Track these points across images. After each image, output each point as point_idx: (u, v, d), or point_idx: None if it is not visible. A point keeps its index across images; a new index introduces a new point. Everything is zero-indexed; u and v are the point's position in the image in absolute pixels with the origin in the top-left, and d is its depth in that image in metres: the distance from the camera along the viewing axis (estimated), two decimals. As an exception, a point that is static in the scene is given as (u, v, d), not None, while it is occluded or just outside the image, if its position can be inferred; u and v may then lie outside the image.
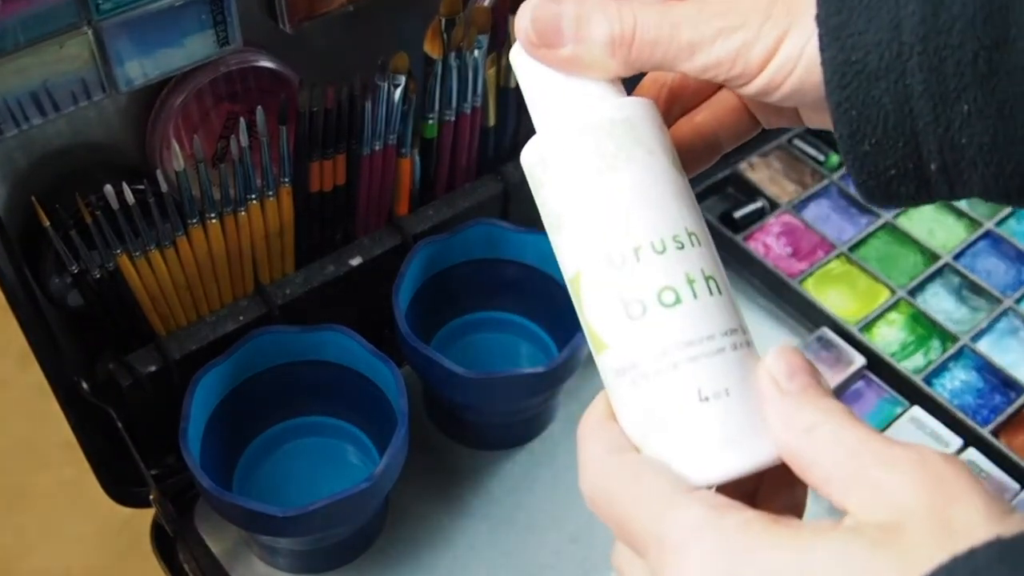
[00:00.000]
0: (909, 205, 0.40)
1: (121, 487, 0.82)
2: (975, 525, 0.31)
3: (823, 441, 0.35)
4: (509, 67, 0.83)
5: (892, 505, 0.32)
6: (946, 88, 0.35)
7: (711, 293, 0.39)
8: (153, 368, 0.77)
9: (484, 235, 0.87)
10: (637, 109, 0.41)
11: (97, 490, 0.81)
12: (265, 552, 0.81)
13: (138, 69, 0.67)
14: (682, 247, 0.39)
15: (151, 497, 0.80)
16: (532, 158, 0.42)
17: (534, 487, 0.87)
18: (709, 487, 0.37)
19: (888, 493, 0.32)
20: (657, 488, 0.37)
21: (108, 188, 0.68)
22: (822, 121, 0.41)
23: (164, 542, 0.83)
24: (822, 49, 0.36)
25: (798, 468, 0.36)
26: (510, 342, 0.93)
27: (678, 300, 0.38)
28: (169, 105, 0.73)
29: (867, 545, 0.31)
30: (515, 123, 0.88)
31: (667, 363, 0.38)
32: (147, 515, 0.83)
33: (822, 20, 0.36)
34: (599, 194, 0.40)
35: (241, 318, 0.81)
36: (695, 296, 0.38)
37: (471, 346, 0.92)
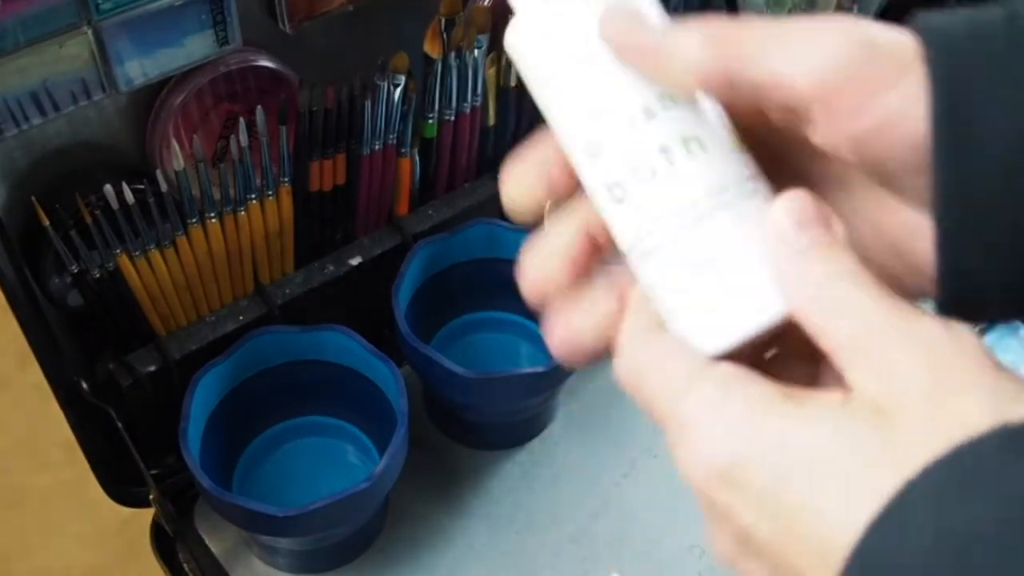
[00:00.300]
0: (995, 320, 0.39)
1: (121, 487, 0.82)
2: (978, 412, 0.30)
3: (832, 304, 0.33)
4: (509, 66, 0.83)
5: (890, 384, 0.31)
6: None
7: (691, 154, 0.37)
8: (153, 368, 0.77)
9: (484, 235, 0.87)
10: None
11: (97, 490, 0.81)
12: (265, 552, 0.80)
13: (138, 69, 0.67)
14: (652, 116, 0.37)
15: (151, 497, 0.80)
16: (513, 38, 0.40)
17: (534, 487, 0.87)
18: (721, 355, 0.36)
19: (889, 370, 0.31)
20: (674, 369, 0.36)
21: (108, 188, 0.68)
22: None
23: (164, 542, 0.83)
24: (934, 153, 0.33)
25: (810, 332, 0.34)
26: (510, 342, 0.93)
27: (654, 173, 0.37)
28: (169, 105, 0.73)
29: (863, 427, 0.31)
30: (515, 122, 0.88)
31: (661, 239, 0.37)
32: (147, 515, 0.83)
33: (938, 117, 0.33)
34: (564, 80, 0.38)
35: (241, 318, 0.81)
36: (671, 164, 0.37)
37: (471, 346, 0.92)
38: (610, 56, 0.37)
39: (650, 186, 0.37)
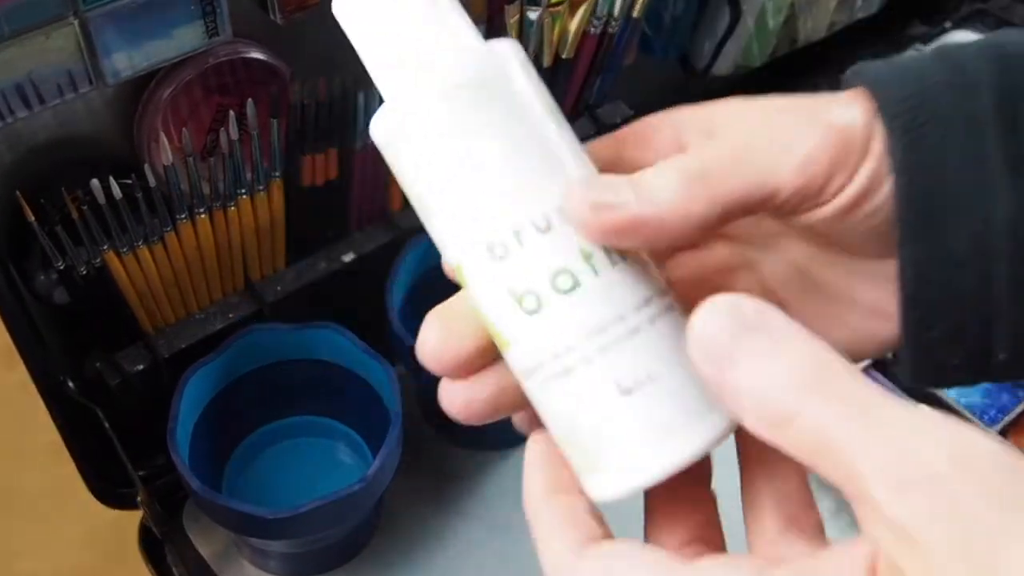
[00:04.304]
0: (955, 387, 0.38)
1: (108, 488, 0.81)
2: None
3: (832, 416, 0.28)
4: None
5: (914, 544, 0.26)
6: None
7: (613, 264, 0.33)
8: (141, 367, 0.76)
9: (480, 231, 0.86)
10: (500, 59, 0.35)
11: (84, 491, 0.80)
12: (255, 555, 0.80)
13: (126, 61, 0.66)
14: (565, 221, 0.33)
15: (139, 499, 0.79)
16: (381, 133, 0.36)
17: (530, 488, 0.86)
18: (648, 488, 0.34)
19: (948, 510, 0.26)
20: (560, 546, 0.34)
21: (95, 183, 0.67)
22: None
23: (152, 545, 0.82)
24: (900, 243, 0.34)
25: (798, 459, 0.30)
26: (506, 340, 0.92)
27: (576, 283, 0.33)
28: (157, 98, 0.72)
29: None
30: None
31: (575, 359, 0.33)
32: (135, 517, 0.82)
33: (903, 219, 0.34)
34: (462, 172, 0.34)
35: (231, 316, 0.80)
36: (595, 272, 0.33)
37: (467, 344, 0.91)
38: (515, 147, 0.34)
39: (572, 297, 0.33)
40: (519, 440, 0.92)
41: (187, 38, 0.67)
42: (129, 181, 0.70)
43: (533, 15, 0.79)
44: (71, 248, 0.69)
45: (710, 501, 0.37)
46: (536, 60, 0.84)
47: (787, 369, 0.29)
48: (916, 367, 0.36)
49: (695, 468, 0.34)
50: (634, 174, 0.34)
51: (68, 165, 0.72)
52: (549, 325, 0.33)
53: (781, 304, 0.38)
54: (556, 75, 0.87)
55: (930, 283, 0.34)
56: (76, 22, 0.62)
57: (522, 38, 0.81)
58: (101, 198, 0.67)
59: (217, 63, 0.72)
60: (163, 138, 0.70)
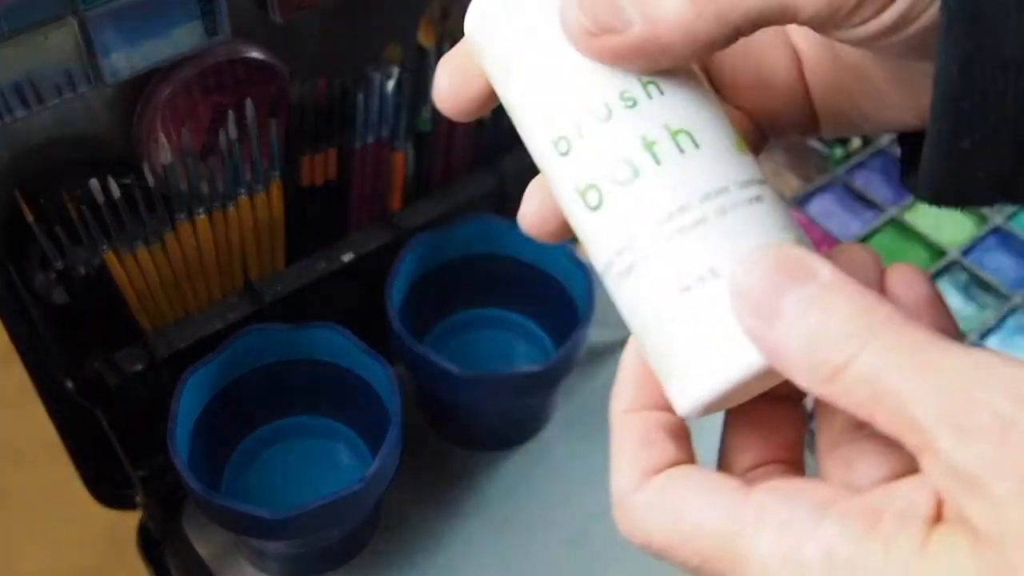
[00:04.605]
0: (977, 206, 0.35)
1: (107, 489, 0.81)
2: None
3: (896, 361, 0.27)
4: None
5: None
6: None
7: (682, 151, 0.31)
8: (140, 367, 0.76)
9: (479, 230, 0.86)
10: None
11: (82, 492, 0.80)
12: (255, 556, 0.79)
13: (124, 60, 0.66)
14: (634, 104, 0.32)
15: (137, 499, 0.78)
16: (468, 26, 0.36)
17: (531, 489, 0.86)
18: (704, 409, 0.32)
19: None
20: (620, 479, 0.34)
21: (94, 182, 0.66)
22: (869, 114, 0.36)
23: (151, 545, 0.82)
24: (943, 37, 0.30)
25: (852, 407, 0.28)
26: (506, 340, 0.91)
27: (636, 173, 0.31)
28: (156, 97, 0.72)
29: None
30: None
31: (635, 254, 0.31)
32: (133, 518, 0.82)
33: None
34: (528, 63, 0.33)
35: (230, 316, 0.79)
36: (657, 161, 0.31)
37: (466, 344, 0.91)
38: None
39: (631, 189, 0.31)
40: (519, 440, 0.92)
41: (186, 38, 0.67)
42: (128, 181, 0.70)
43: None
44: (70, 248, 0.69)
45: (798, 421, 0.35)
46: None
47: (836, 319, 0.28)
48: (938, 179, 0.33)
49: (781, 384, 0.31)
50: None
51: (67, 165, 0.72)
52: (610, 220, 0.32)
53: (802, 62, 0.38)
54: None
55: (971, 84, 0.30)
56: (75, 22, 0.62)
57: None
58: (100, 198, 0.67)
59: (216, 63, 0.72)
60: (162, 138, 0.70)
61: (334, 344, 0.78)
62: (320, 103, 0.73)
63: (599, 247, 0.33)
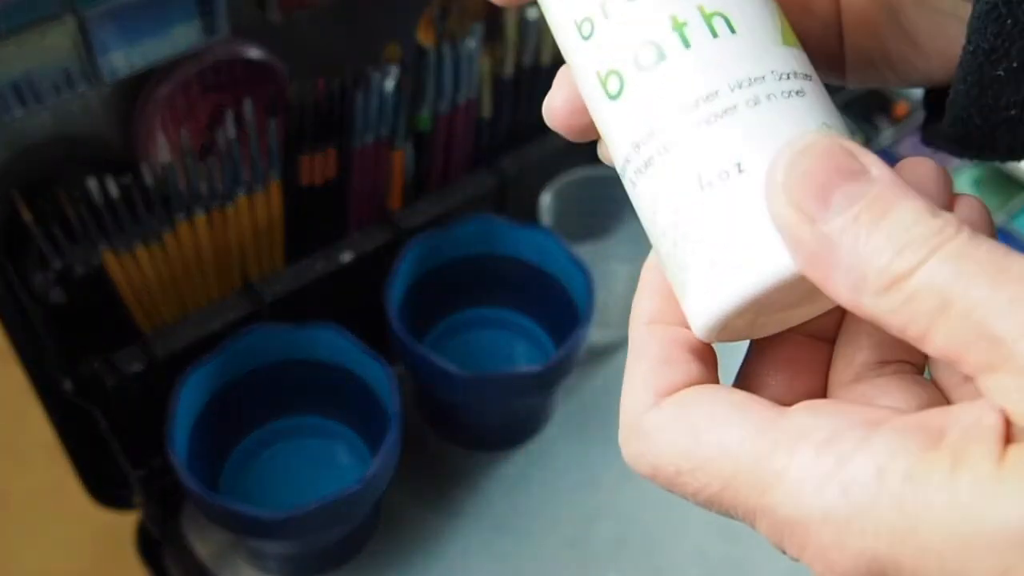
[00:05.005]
0: (996, 159, 0.32)
1: (105, 489, 0.81)
2: None
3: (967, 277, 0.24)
4: (504, 57, 0.81)
5: None
6: None
7: (716, 35, 0.28)
8: (139, 367, 0.75)
9: (479, 230, 0.85)
10: None
11: (80, 493, 0.80)
12: (254, 556, 0.79)
13: (123, 59, 0.65)
14: None
15: (136, 500, 0.78)
16: None
17: (531, 489, 0.86)
18: (721, 328, 0.28)
19: None
20: (631, 397, 0.29)
21: (92, 182, 0.66)
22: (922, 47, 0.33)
23: (149, 546, 0.81)
24: None
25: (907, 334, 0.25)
26: (506, 340, 0.91)
27: (660, 57, 0.28)
28: (155, 96, 0.71)
29: None
30: (511, 114, 0.87)
31: (654, 145, 0.28)
32: (132, 519, 0.82)
33: None
34: None
35: (229, 316, 0.79)
36: (686, 44, 0.28)
37: (466, 344, 0.90)
38: None
39: (654, 74, 0.28)
40: (519, 440, 0.92)
41: (184, 37, 0.67)
42: (126, 180, 0.70)
43: (532, 14, 0.79)
44: (68, 248, 0.69)
45: (827, 365, 0.31)
46: (535, 59, 0.83)
47: (898, 222, 0.24)
48: (965, 112, 0.30)
49: (815, 318, 0.29)
50: None
51: (65, 164, 0.72)
52: (631, 109, 0.29)
53: None
54: (556, 75, 0.86)
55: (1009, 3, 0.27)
56: (73, 21, 0.62)
57: (521, 37, 0.81)
58: (98, 198, 0.67)
59: (215, 62, 0.72)
60: (160, 137, 0.70)
61: (333, 344, 0.77)
62: (319, 102, 0.73)
63: (618, 141, 0.29)
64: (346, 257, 0.83)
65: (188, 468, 0.70)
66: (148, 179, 0.69)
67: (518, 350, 0.91)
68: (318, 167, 0.77)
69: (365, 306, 0.82)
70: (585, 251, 0.85)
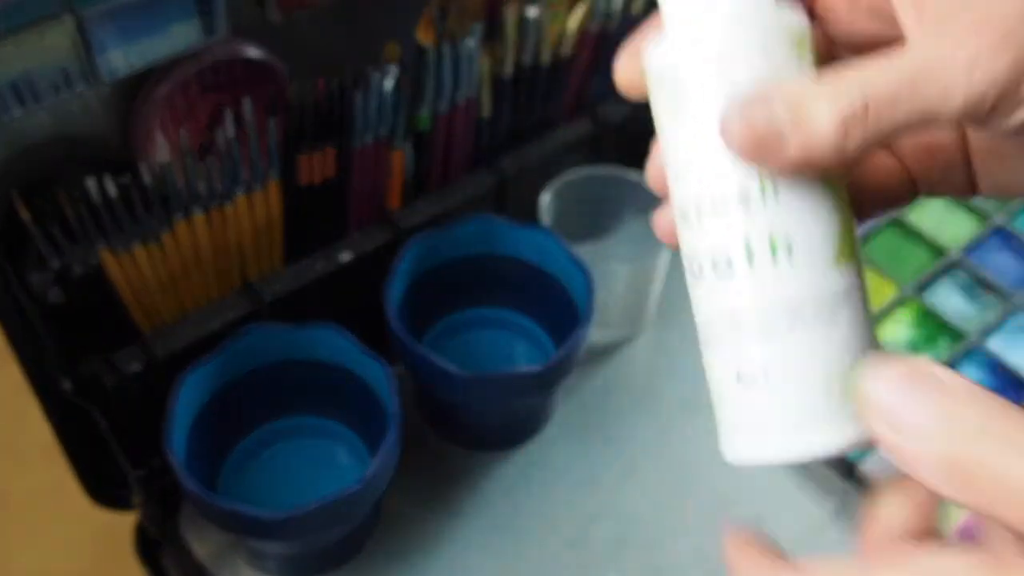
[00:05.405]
0: None
1: (104, 490, 0.80)
2: None
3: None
4: (504, 56, 0.81)
5: None
6: None
7: (775, 261, 0.34)
8: (137, 367, 0.75)
9: (478, 230, 0.85)
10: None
11: (78, 493, 0.79)
12: (253, 556, 0.79)
13: (121, 59, 0.65)
14: (747, 202, 0.34)
15: (134, 500, 0.78)
16: (650, 64, 0.37)
17: (531, 489, 0.85)
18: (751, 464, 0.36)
19: None
20: None
21: (91, 181, 0.66)
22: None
23: (148, 547, 0.81)
24: None
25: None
26: (506, 340, 0.91)
27: (730, 270, 0.35)
28: (154, 96, 0.71)
29: None
30: (510, 114, 0.86)
31: (720, 338, 0.36)
32: (131, 518, 0.82)
33: None
34: (678, 126, 0.36)
35: (228, 316, 0.79)
36: (750, 264, 0.34)
37: (465, 344, 0.90)
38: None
39: (721, 282, 0.35)
40: (519, 440, 0.92)
41: (183, 36, 0.67)
42: (125, 180, 0.69)
43: (532, 13, 0.79)
44: (67, 248, 0.69)
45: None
46: (535, 59, 0.83)
47: (965, 421, 0.29)
48: None
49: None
50: (797, 100, 0.33)
51: (64, 164, 0.72)
52: (701, 296, 0.36)
53: None
54: (555, 74, 0.86)
55: None
56: (72, 20, 0.61)
57: (521, 36, 0.81)
58: (97, 197, 0.67)
59: (214, 62, 0.72)
60: (159, 137, 0.70)
61: (333, 344, 0.77)
62: (319, 102, 0.72)
63: (696, 307, 0.37)
64: (345, 257, 0.83)
65: (187, 468, 0.70)
66: (147, 179, 0.68)
67: (518, 350, 0.91)
68: (317, 167, 0.76)
69: (364, 306, 0.82)
70: (585, 251, 0.84)
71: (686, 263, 0.37)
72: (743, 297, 0.34)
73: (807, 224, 0.34)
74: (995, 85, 0.31)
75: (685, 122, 0.35)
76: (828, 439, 0.34)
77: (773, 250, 0.34)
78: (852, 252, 0.35)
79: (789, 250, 0.34)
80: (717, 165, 0.34)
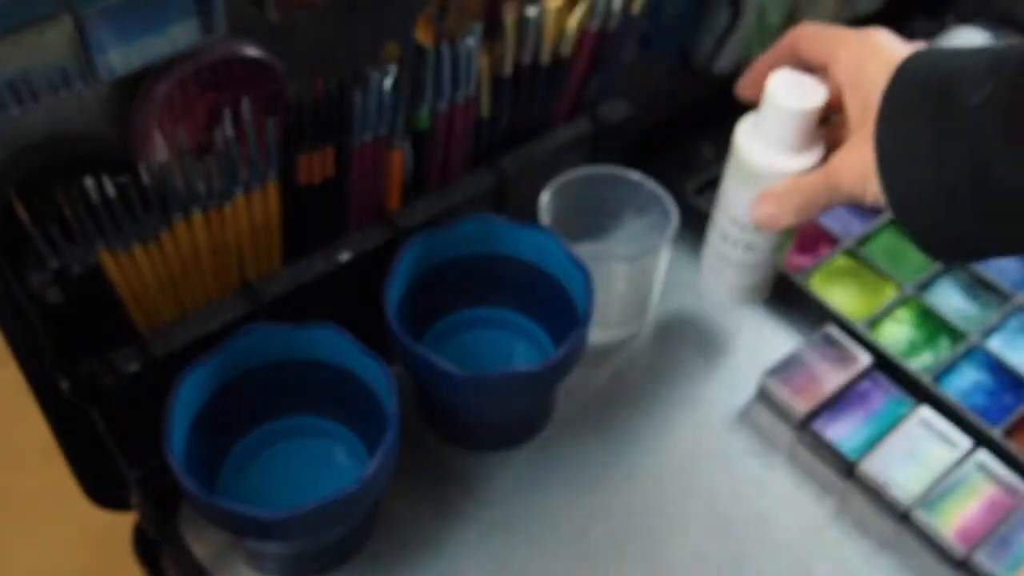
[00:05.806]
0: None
1: (102, 490, 0.80)
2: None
3: None
4: (503, 55, 0.81)
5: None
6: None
7: (748, 249, 0.79)
8: (136, 367, 0.75)
9: (478, 229, 0.85)
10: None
11: (77, 493, 0.79)
12: (252, 557, 0.79)
13: (120, 58, 0.65)
14: (746, 228, 0.81)
15: (133, 500, 0.78)
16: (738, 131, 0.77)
17: (530, 490, 0.85)
18: None
19: None
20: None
21: (89, 181, 0.66)
22: None
23: (146, 547, 0.81)
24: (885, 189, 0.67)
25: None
26: (505, 340, 0.91)
27: (735, 245, 0.82)
28: (152, 95, 0.71)
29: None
30: (509, 114, 0.86)
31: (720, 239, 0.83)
32: (129, 519, 0.81)
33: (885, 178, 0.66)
34: (733, 186, 0.79)
35: (227, 316, 0.79)
36: (742, 250, 0.79)
37: (465, 344, 0.90)
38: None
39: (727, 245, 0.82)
40: (519, 440, 0.92)
41: (182, 35, 0.66)
42: (124, 180, 0.69)
43: (532, 12, 0.79)
44: (65, 247, 0.68)
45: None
46: (534, 58, 0.83)
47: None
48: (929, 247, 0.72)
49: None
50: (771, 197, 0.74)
51: (62, 163, 0.71)
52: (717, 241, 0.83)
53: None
54: (555, 73, 0.86)
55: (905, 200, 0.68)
56: (70, 19, 0.61)
57: (520, 35, 0.80)
58: (95, 197, 0.67)
59: (212, 61, 0.72)
60: (158, 136, 0.69)
61: (332, 344, 0.77)
62: (318, 101, 0.72)
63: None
64: (344, 256, 0.82)
65: (186, 468, 0.70)
66: (145, 178, 0.68)
67: (518, 350, 0.91)
68: (316, 166, 0.76)
69: (364, 306, 0.82)
70: (585, 251, 0.84)
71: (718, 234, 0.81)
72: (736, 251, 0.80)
73: (765, 239, 0.78)
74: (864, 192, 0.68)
75: (743, 184, 0.76)
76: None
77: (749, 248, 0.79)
78: (783, 248, 0.79)
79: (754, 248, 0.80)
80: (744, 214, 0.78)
